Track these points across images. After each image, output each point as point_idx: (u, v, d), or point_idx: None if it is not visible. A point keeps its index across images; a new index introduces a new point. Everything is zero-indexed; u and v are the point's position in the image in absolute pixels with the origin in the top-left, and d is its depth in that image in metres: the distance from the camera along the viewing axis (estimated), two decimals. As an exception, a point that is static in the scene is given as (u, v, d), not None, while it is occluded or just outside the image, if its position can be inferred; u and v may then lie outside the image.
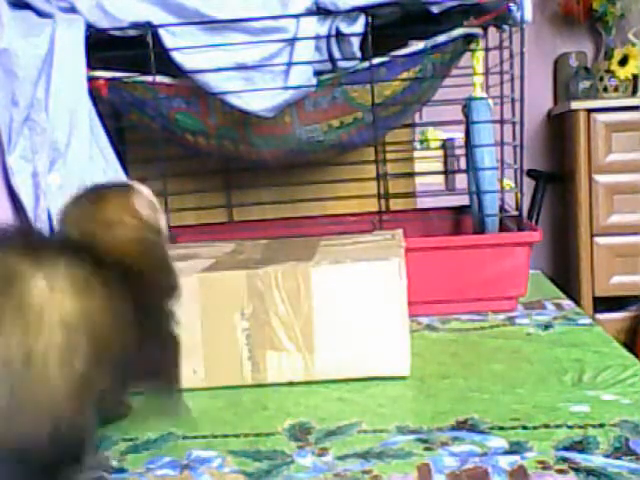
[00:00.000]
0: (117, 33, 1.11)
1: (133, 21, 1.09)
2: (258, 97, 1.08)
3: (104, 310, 0.56)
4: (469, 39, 1.18)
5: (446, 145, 1.88)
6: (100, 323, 0.55)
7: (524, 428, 0.66)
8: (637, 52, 2.27)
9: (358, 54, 1.11)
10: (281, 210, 1.45)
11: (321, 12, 1.09)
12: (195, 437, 0.69)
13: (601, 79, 2.33)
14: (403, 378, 0.82)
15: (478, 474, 0.58)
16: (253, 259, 0.90)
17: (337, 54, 1.12)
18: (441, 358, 0.90)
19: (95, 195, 0.66)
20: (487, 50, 1.21)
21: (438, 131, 1.96)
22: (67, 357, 0.53)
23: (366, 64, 1.11)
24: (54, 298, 0.53)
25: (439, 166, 1.96)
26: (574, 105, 2.22)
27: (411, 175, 1.57)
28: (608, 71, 2.31)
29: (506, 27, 1.17)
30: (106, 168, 1.13)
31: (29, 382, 0.51)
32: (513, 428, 0.66)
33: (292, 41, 1.09)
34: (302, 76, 1.09)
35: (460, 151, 1.44)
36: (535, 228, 1.13)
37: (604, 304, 2.27)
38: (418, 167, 1.62)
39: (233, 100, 1.09)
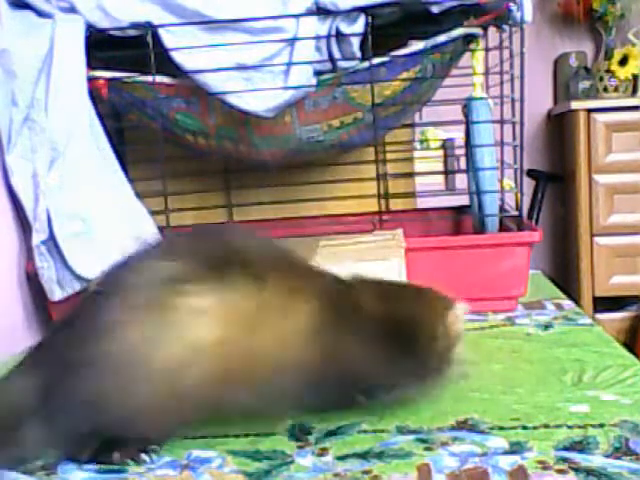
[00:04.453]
0: (117, 33, 1.11)
1: (133, 21, 1.09)
2: (258, 97, 1.08)
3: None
4: (469, 39, 1.18)
5: (446, 145, 1.87)
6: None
7: (524, 428, 0.66)
8: (637, 52, 2.27)
9: (358, 54, 1.11)
10: (281, 210, 1.45)
11: (321, 12, 1.09)
12: (195, 437, 0.69)
13: (601, 79, 2.33)
14: (403, 378, 0.82)
15: (478, 474, 0.58)
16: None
17: (337, 54, 1.12)
18: (441, 358, 0.89)
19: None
20: (487, 50, 1.21)
21: (438, 131, 1.96)
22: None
23: (366, 64, 1.11)
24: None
25: (439, 166, 1.95)
26: (574, 105, 2.22)
27: (411, 175, 1.57)
28: (608, 71, 2.31)
29: (506, 27, 1.17)
30: (105, 168, 1.13)
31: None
32: (513, 428, 0.66)
33: (292, 41, 1.09)
34: (302, 76, 1.09)
35: (460, 151, 1.44)
36: (535, 228, 1.13)
37: (604, 304, 2.27)
38: (418, 167, 1.62)
39: (233, 100, 1.09)
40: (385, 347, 0.66)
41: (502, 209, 1.24)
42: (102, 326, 0.61)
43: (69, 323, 0.66)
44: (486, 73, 1.23)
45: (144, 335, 0.60)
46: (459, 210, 1.50)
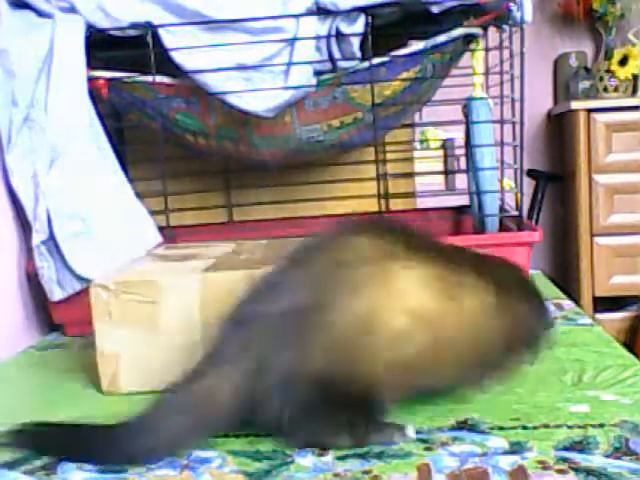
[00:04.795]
0: (117, 33, 1.11)
1: (133, 21, 1.09)
2: (258, 97, 1.08)
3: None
4: (469, 39, 1.18)
5: (446, 145, 1.88)
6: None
7: (524, 428, 0.66)
8: (637, 52, 2.27)
9: (358, 54, 1.11)
10: (281, 210, 1.45)
11: (321, 12, 1.09)
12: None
13: (601, 79, 2.33)
14: (403, 378, 0.82)
15: (478, 474, 0.58)
16: (253, 259, 0.90)
17: (337, 54, 1.12)
18: (441, 358, 0.89)
19: None
20: (487, 50, 1.21)
21: (438, 131, 1.96)
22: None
23: (366, 64, 1.11)
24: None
25: (439, 166, 1.96)
26: (574, 105, 2.22)
27: (411, 175, 1.57)
28: (608, 71, 2.31)
29: (506, 27, 1.17)
30: (105, 168, 1.13)
31: None
32: (513, 428, 0.66)
33: (292, 41, 1.09)
34: (302, 76, 1.09)
35: (460, 151, 1.44)
36: (535, 228, 1.13)
37: (604, 304, 2.26)
38: (418, 167, 1.62)
39: (233, 100, 1.09)
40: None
41: (502, 209, 1.24)
42: (324, 298, 0.63)
43: (274, 298, 0.65)
44: (486, 73, 1.23)
45: (368, 303, 0.63)
46: (459, 210, 1.50)
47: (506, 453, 0.61)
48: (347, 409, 0.64)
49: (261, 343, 0.64)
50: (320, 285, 0.64)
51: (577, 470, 0.57)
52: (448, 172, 1.96)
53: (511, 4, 1.10)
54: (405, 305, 0.64)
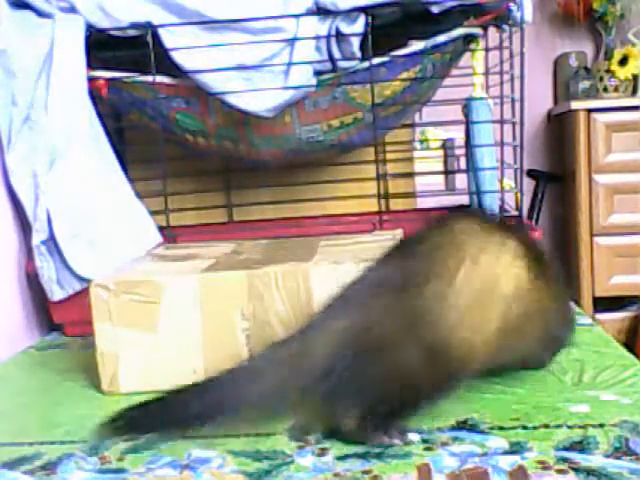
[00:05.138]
0: (117, 33, 1.11)
1: (133, 21, 1.09)
2: (258, 97, 1.08)
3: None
4: (469, 39, 1.18)
5: (446, 145, 1.87)
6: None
7: (524, 428, 0.66)
8: (637, 52, 2.27)
9: (358, 54, 1.11)
10: (281, 210, 1.45)
11: (321, 12, 1.09)
12: (195, 437, 0.69)
13: (601, 79, 2.33)
14: (403, 378, 0.82)
15: (478, 474, 0.58)
16: (253, 259, 0.90)
17: (337, 54, 1.12)
18: (441, 358, 0.89)
19: None
20: (487, 50, 1.21)
21: (438, 131, 1.95)
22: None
23: (366, 64, 1.11)
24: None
25: (439, 166, 1.95)
26: (574, 105, 2.22)
27: (411, 175, 1.57)
28: (608, 71, 2.31)
29: (506, 27, 1.17)
30: (105, 168, 1.13)
31: None
32: (513, 428, 0.66)
33: (292, 41, 1.09)
34: (302, 76, 1.09)
35: (460, 151, 1.44)
36: (535, 228, 1.13)
37: (604, 304, 2.27)
38: (418, 167, 1.62)
39: (233, 100, 1.09)
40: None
41: (502, 209, 1.24)
42: (441, 267, 0.66)
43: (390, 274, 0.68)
44: (486, 73, 1.23)
45: (488, 272, 0.66)
46: (459, 210, 1.50)
47: (506, 453, 0.61)
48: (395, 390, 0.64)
49: (365, 304, 0.65)
50: (435, 256, 0.67)
51: (577, 470, 0.57)
52: (448, 172, 1.96)
53: (511, 4, 1.10)
54: (511, 274, 0.68)
